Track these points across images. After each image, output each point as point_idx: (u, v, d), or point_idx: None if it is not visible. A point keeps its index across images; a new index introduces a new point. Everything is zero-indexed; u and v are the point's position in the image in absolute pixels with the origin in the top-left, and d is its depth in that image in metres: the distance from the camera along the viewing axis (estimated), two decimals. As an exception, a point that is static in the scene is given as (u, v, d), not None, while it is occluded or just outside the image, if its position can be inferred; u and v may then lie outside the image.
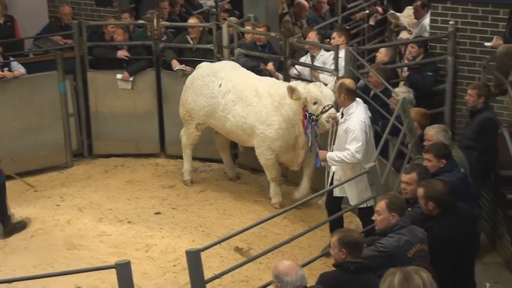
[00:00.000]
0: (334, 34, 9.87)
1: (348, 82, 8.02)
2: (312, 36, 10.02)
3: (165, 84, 11.04)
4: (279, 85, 9.23)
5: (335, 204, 8.09)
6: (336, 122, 8.20)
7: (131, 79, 10.96)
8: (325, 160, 8.03)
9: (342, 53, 9.23)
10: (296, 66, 9.96)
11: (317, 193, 7.52)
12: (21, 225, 9.18)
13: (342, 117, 8.03)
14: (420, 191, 5.98)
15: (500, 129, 8.10)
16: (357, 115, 7.84)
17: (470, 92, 7.99)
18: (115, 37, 11.00)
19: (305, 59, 10.03)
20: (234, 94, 9.50)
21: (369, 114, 8.11)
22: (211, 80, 9.73)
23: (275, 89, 9.20)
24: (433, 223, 5.88)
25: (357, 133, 7.72)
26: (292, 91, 8.59)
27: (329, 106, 8.43)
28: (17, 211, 9.34)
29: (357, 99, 8.05)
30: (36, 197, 10.10)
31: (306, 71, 9.97)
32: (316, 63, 9.83)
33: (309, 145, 8.71)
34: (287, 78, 9.85)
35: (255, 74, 9.72)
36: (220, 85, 9.62)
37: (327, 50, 9.71)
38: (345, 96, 7.91)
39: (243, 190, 10.09)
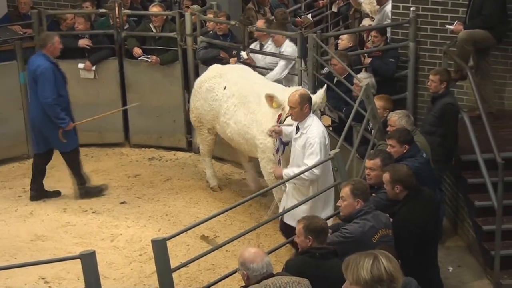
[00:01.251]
0: None
1: (308, 92, 7.57)
2: (260, 24, 10.04)
3: (128, 73, 10.96)
4: (282, 91, 8.16)
5: (290, 229, 7.07)
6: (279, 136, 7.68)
7: (93, 68, 10.86)
8: (280, 177, 7.36)
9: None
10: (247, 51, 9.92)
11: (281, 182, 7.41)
12: (98, 190, 9.55)
13: (297, 131, 7.37)
14: (386, 176, 6.03)
15: (460, 114, 8.19)
16: (316, 127, 7.28)
17: (432, 78, 8.05)
18: (76, 26, 10.88)
19: (254, 46, 10.04)
20: (237, 98, 8.82)
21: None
22: (217, 82, 9.15)
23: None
24: (399, 207, 5.94)
25: (316, 147, 7.15)
26: (271, 99, 7.89)
27: None
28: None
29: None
30: (-3, 188, 9.99)
31: (260, 58, 10.04)
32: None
33: (276, 150, 7.97)
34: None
35: (265, 79, 9.11)
36: (225, 88, 9.00)
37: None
38: (308, 107, 7.31)
39: (208, 178, 10.07)
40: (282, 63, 9.60)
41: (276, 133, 7.62)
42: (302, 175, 6.99)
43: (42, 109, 9.07)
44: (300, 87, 8.16)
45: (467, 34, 8.76)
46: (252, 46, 10.09)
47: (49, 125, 9.13)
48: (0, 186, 10.05)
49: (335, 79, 8.92)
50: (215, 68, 9.42)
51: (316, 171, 7.03)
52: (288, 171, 7.27)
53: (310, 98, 7.35)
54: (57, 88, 9.04)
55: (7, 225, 8.87)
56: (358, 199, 5.73)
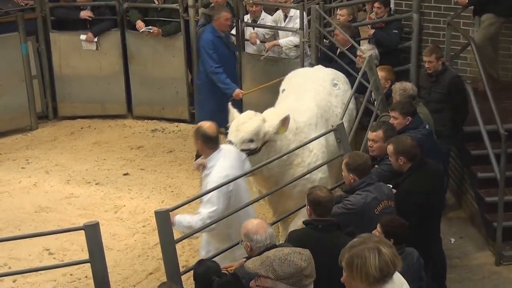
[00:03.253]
0: None
1: (207, 126, 6.13)
2: None
3: (131, 44, 10.92)
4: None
5: None
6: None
7: (95, 39, 10.81)
8: (173, 224, 5.77)
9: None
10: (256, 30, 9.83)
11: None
12: None
13: (203, 169, 6.23)
14: (390, 147, 6.00)
15: (464, 86, 8.15)
16: (217, 170, 5.98)
17: (428, 58, 7.80)
18: (78, -2, 10.85)
19: (246, 20, 9.94)
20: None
21: (247, 165, 6.32)
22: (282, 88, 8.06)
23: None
24: (402, 179, 5.93)
25: (213, 195, 5.84)
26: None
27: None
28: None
29: (224, 146, 6.24)
30: (1, 160, 10.00)
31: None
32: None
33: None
34: (241, 42, 9.88)
35: (314, 89, 7.62)
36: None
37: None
38: (201, 143, 6.15)
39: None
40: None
41: (202, 166, 6.25)
42: (195, 225, 5.82)
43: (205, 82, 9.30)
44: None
45: (481, 39, 8.73)
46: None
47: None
48: (3, 157, 10.07)
49: (338, 51, 8.86)
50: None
51: (209, 222, 5.79)
52: (181, 218, 5.87)
53: (207, 135, 6.08)
54: (219, 59, 9.06)
55: (11, 197, 8.91)
56: (351, 174, 5.68)
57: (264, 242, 4.88)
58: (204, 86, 9.41)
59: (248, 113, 6.66)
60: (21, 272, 5.19)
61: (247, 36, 9.91)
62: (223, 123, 6.97)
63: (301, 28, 9.24)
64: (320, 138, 6.75)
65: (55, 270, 6.99)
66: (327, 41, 9.16)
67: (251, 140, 6.45)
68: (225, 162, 6.05)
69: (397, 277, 3.68)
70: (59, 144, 10.46)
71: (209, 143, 6.10)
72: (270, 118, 6.67)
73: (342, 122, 6.65)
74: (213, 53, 9.03)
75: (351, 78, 8.25)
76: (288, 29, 9.60)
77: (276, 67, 9.54)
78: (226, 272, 5.09)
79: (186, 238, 5.80)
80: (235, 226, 5.67)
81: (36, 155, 10.07)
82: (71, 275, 7.28)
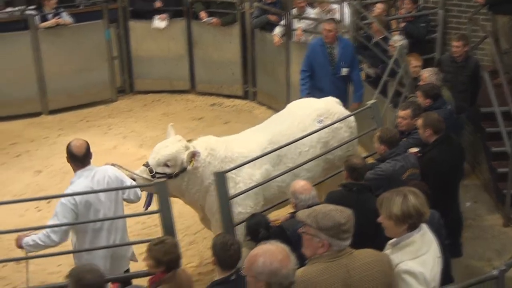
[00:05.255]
0: None
1: (74, 144, 5.23)
2: None
3: (195, 32, 10.91)
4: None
5: None
6: None
7: (166, 20, 10.81)
8: (21, 247, 5.05)
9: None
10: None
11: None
12: None
13: None
14: (420, 121, 5.89)
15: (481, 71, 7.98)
16: (70, 187, 5.17)
17: (457, 43, 7.64)
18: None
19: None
20: None
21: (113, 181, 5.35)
22: None
23: None
24: (428, 149, 5.82)
25: (59, 209, 5.03)
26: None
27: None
28: (72, 138, 9.20)
29: (102, 167, 5.40)
30: (88, 126, 10.11)
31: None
32: (301, 22, 9.55)
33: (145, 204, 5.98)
34: (288, 32, 9.66)
35: (288, 124, 6.39)
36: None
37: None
38: (68, 159, 5.26)
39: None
40: None
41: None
42: (39, 242, 5.00)
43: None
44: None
45: None
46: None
47: None
48: (90, 124, 10.19)
49: (373, 40, 8.71)
50: None
51: (53, 235, 4.98)
52: (28, 239, 5.03)
53: (72, 153, 5.20)
54: (313, 64, 7.93)
55: (95, 157, 8.96)
56: (383, 146, 5.61)
57: (306, 202, 4.85)
58: None
59: (175, 138, 5.86)
60: (103, 220, 5.24)
61: (294, 27, 9.75)
62: None
63: (340, 20, 9.08)
64: (253, 171, 5.79)
65: (130, 219, 7.04)
66: (364, 32, 9.00)
67: (166, 165, 5.66)
68: (83, 181, 5.16)
69: (430, 234, 3.65)
70: (134, 114, 10.53)
71: (75, 161, 5.23)
72: (199, 146, 5.85)
73: (376, 101, 6.53)
74: (308, 56, 7.97)
75: (383, 64, 8.13)
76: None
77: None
78: (273, 225, 5.07)
79: (240, 195, 5.64)
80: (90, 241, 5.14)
81: (115, 123, 10.17)
82: (143, 223, 7.36)
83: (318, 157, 5.98)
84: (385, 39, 8.39)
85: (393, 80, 7.54)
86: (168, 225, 5.09)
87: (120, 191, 5.37)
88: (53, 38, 10.30)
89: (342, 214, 3.44)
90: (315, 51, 7.90)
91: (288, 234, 4.67)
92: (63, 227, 5.04)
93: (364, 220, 3.86)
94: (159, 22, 10.83)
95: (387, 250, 3.64)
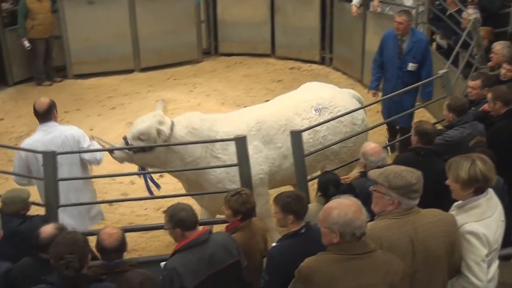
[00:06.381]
0: None
1: (38, 102, 5.44)
2: None
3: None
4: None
5: None
6: None
7: None
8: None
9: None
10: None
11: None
12: None
13: None
14: (489, 94, 5.67)
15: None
16: (29, 137, 5.53)
17: None
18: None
19: None
20: None
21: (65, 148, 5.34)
22: None
23: None
24: (498, 119, 5.61)
25: (16, 159, 5.45)
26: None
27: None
28: (161, 94, 9.41)
29: (50, 124, 5.40)
30: (175, 84, 10.27)
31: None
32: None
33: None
34: (366, 2, 9.39)
35: (284, 105, 6.09)
36: None
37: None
38: (51, 114, 5.49)
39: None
40: None
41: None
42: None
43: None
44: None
45: None
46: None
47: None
48: (177, 82, 10.35)
49: (448, 12, 8.40)
50: None
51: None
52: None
53: (35, 109, 5.41)
54: (384, 55, 7.44)
55: (180, 111, 9.16)
56: (451, 113, 5.45)
57: (376, 163, 4.79)
58: None
59: (153, 114, 5.56)
60: (181, 170, 5.36)
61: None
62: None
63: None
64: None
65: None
66: (439, 4, 8.69)
67: (140, 139, 5.44)
68: (36, 136, 5.38)
69: (496, 198, 3.59)
70: (218, 74, 10.63)
71: (36, 116, 5.42)
72: (180, 124, 5.57)
73: (447, 71, 6.34)
74: (381, 45, 7.47)
75: (456, 36, 7.84)
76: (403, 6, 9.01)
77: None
78: (343, 182, 5.06)
79: (314, 153, 5.63)
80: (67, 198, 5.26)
81: (200, 82, 10.28)
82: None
83: (318, 151, 5.74)
84: (459, 12, 8.08)
85: (465, 52, 7.27)
86: (246, 178, 5.15)
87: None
88: (147, 3, 10.46)
89: (413, 174, 3.41)
90: (386, 41, 7.40)
91: (357, 192, 4.65)
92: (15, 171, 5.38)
93: (429, 183, 3.80)
94: None
95: (453, 211, 3.60)
